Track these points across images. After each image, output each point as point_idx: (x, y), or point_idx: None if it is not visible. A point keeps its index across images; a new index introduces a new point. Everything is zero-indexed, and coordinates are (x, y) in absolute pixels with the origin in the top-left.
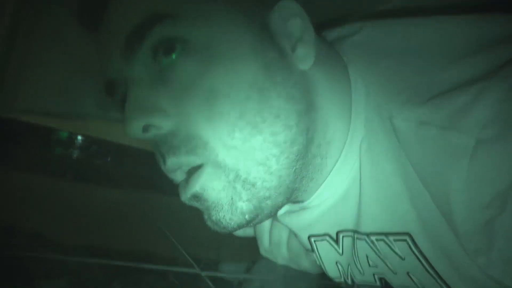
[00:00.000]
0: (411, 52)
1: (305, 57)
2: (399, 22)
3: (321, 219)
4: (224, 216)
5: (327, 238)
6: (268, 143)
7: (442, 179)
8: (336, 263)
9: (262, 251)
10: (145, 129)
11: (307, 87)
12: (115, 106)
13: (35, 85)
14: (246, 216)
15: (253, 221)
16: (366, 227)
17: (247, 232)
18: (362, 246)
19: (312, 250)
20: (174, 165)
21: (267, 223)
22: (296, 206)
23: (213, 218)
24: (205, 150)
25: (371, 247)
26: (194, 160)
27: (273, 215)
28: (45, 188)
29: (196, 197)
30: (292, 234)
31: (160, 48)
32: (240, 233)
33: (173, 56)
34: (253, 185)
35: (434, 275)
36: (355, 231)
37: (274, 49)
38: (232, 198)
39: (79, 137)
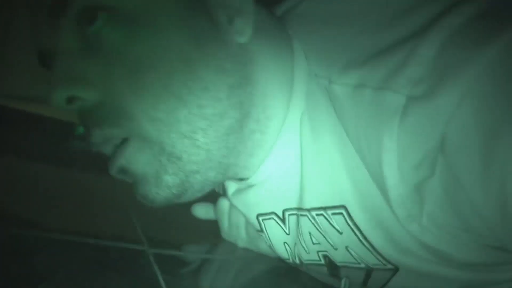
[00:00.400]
0: (349, 17)
1: (242, 30)
2: None
3: (267, 197)
4: (150, 189)
5: (274, 216)
6: (194, 115)
7: (375, 142)
8: (284, 243)
9: (223, 234)
10: (70, 100)
11: (244, 61)
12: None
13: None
14: (173, 190)
15: (183, 195)
16: (308, 203)
17: (209, 214)
18: (305, 223)
19: (261, 230)
20: (99, 138)
21: (226, 205)
22: (243, 184)
23: (140, 191)
24: (130, 122)
25: (313, 223)
26: (118, 133)
27: (207, 190)
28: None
29: (123, 170)
30: None
31: (85, 15)
32: (201, 215)
33: (99, 24)
34: (179, 158)
35: (370, 247)
36: (298, 208)
37: (207, 19)
38: (157, 171)
39: None
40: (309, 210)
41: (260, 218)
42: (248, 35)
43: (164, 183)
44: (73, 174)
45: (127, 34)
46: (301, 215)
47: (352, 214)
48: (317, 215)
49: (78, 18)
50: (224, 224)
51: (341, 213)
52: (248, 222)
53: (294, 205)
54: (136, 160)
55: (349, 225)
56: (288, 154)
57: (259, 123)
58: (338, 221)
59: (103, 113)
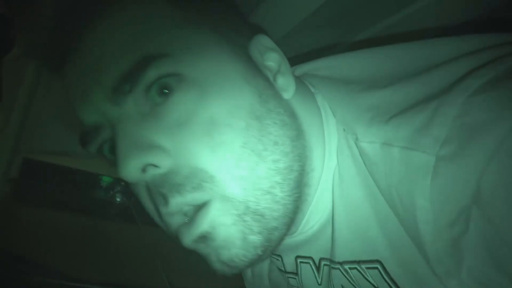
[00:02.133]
0: (371, 78)
1: (286, 87)
2: (360, 53)
3: (307, 242)
4: (237, 253)
5: (311, 262)
6: (272, 170)
7: (408, 200)
8: None
9: (247, 284)
10: (144, 169)
11: (293, 115)
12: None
13: (49, 130)
14: (259, 251)
15: (263, 255)
16: (339, 256)
17: None
18: (337, 276)
19: (296, 273)
20: (179, 205)
21: None
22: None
23: (224, 258)
24: (212, 184)
25: (345, 276)
26: (201, 197)
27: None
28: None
29: (203, 237)
30: (273, 265)
31: (154, 86)
32: None
33: (169, 91)
34: (263, 215)
35: None
36: (331, 260)
37: (262, 77)
38: (243, 232)
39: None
40: (341, 263)
41: (299, 260)
42: (292, 90)
43: (251, 244)
44: (100, 224)
45: (198, 96)
46: (333, 267)
47: (388, 269)
48: (350, 268)
49: (147, 88)
50: (248, 274)
51: (376, 268)
52: (270, 271)
53: (327, 256)
54: (220, 222)
55: (385, 280)
56: (324, 208)
57: (308, 175)
58: (374, 276)
59: (181, 178)
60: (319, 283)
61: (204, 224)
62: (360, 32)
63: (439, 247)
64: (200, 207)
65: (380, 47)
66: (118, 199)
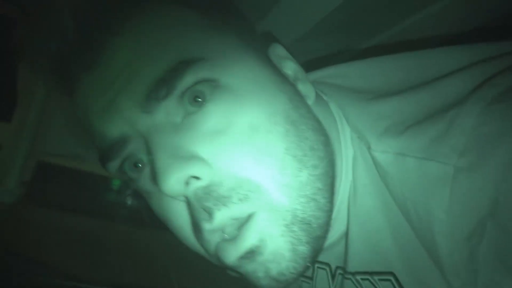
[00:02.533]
0: (382, 86)
1: (308, 93)
2: (369, 62)
3: (326, 249)
4: (287, 266)
5: (327, 268)
6: (313, 176)
7: (424, 211)
8: None
9: None
10: (186, 182)
11: (319, 121)
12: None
13: (62, 134)
14: (307, 261)
15: (310, 267)
16: (352, 266)
17: None
18: (349, 286)
19: (311, 278)
20: (224, 220)
21: None
22: None
23: (274, 272)
24: (259, 194)
25: (357, 287)
26: (247, 209)
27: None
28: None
29: (251, 253)
30: None
31: (188, 93)
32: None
33: (200, 100)
34: (310, 224)
35: None
36: (344, 270)
37: (288, 83)
38: (292, 244)
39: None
40: (353, 273)
41: (316, 265)
42: (313, 97)
43: (301, 255)
44: (112, 227)
45: (235, 103)
46: (346, 278)
47: (401, 281)
48: (362, 279)
49: (181, 94)
50: None
51: (389, 280)
52: None
53: (342, 265)
54: (269, 234)
55: None
56: (343, 217)
57: (336, 182)
58: (386, 287)
59: (225, 190)
60: (307, 276)
61: (253, 237)
62: (370, 39)
63: (456, 260)
64: (246, 220)
65: (389, 56)
66: (129, 202)
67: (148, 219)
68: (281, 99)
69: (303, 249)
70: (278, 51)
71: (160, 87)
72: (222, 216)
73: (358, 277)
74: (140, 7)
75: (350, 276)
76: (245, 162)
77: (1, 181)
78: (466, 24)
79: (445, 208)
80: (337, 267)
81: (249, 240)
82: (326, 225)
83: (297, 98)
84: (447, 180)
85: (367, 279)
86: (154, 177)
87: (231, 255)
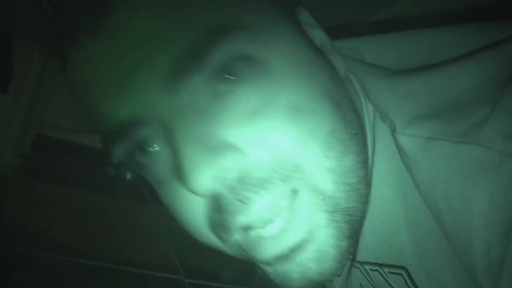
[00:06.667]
0: (405, 62)
1: (338, 68)
2: (384, 37)
3: None
4: (330, 266)
5: None
6: (358, 163)
7: (460, 202)
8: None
9: None
10: (220, 177)
11: (353, 100)
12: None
13: (60, 106)
14: (345, 261)
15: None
16: (361, 256)
17: None
18: (357, 275)
19: None
20: (266, 207)
21: None
22: None
23: (313, 273)
24: (303, 173)
25: (365, 277)
26: (290, 188)
27: None
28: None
29: (295, 250)
30: None
31: (222, 69)
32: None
33: (238, 78)
34: (352, 215)
35: None
36: (352, 259)
37: (325, 58)
38: (337, 238)
39: None
40: (361, 263)
41: None
42: (343, 71)
43: (344, 253)
44: (113, 202)
45: (275, 82)
46: (353, 265)
47: (414, 277)
48: (371, 270)
49: (213, 72)
50: None
51: (401, 274)
52: None
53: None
54: (316, 224)
55: (409, 286)
56: None
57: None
58: (397, 281)
59: (263, 172)
60: (338, 274)
61: (302, 228)
62: (379, 11)
63: (493, 258)
64: (289, 206)
65: (407, 31)
66: (128, 176)
67: (148, 194)
68: (324, 77)
69: (345, 245)
70: (305, 18)
71: (192, 59)
72: (264, 203)
73: (367, 267)
74: None
75: (358, 265)
76: (285, 144)
77: None
78: None
79: (487, 198)
80: None
81: (296, 232)
82: (363, 219)
83: (336, 75)
84: (491, 166)
85: (377, 270)
86: (177, 172)
87: (274, 249)
